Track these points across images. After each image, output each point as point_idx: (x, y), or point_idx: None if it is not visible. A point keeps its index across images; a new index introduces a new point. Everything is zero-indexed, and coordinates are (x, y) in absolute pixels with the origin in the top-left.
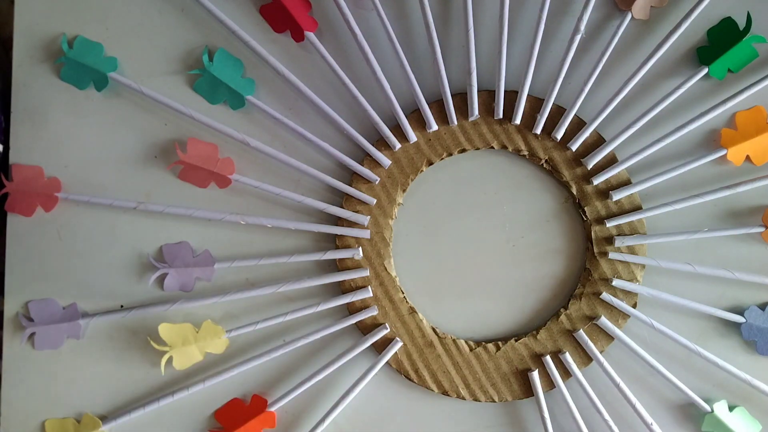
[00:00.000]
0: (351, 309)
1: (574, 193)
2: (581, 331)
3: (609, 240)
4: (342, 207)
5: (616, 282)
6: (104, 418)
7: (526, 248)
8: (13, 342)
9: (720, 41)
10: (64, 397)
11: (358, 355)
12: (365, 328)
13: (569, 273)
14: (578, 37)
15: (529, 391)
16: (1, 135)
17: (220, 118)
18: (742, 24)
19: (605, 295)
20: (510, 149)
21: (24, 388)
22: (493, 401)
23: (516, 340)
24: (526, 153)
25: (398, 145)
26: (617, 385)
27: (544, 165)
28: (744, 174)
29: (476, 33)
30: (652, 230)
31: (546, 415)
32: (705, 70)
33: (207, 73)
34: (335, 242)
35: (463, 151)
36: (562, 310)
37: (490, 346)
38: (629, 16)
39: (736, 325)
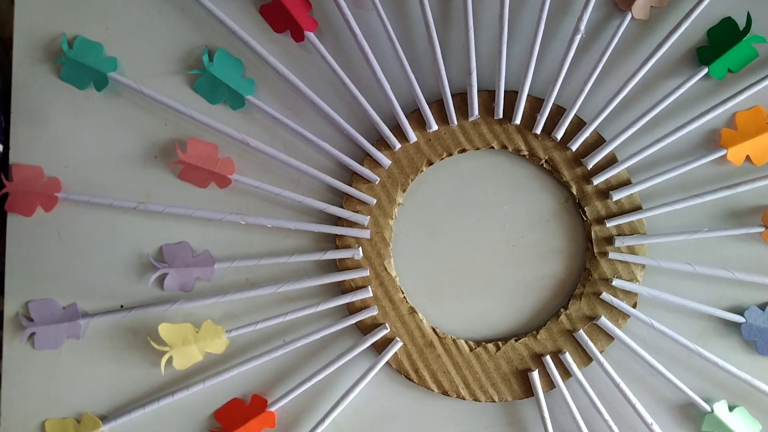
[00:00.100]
0: (351, 309)
1: (574, 193)
2: (581, 331)
3: (609, 240)
4: (342, 207)
5: (616, 282)
6: (104, 418)
7: (526, 248)
8: (13, 342)
9: (720, 41)
10: (64, 397)
11: (358, 355)
12: (365, 328)
13: (569, 273)
14: (578, 37)
15: (529, 391)
16: (1, 135)
17: (220, 118)
18: (742, 24)
19: (605, 295)
20: (510, 149)
21: (24, 388)
22: (493, 401)
23: (516, 340)
24: (526, 153)
25: (398, 145)
26: (617, 385)
27: (544, 165)
28: (744, 174)
29: (476, 33)
30: (652, 230)
31: (546, 415)
32: (705, 70)
33: (207, 73)
34: (335, 242)
35: (463, 151)
36: (562, 310)
37: (490, 346)
38: (629, 16)
39: (736, 325)
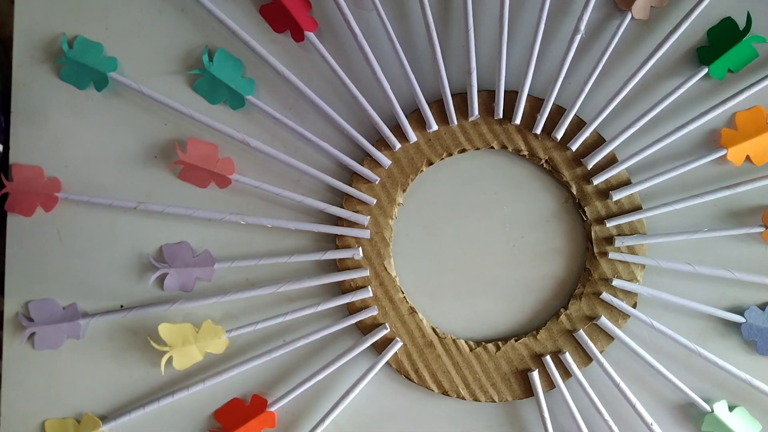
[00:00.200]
0: (351, 309)
1: (574, 193)
2: (581, 331)
3: (609, 240)
4: (342, 207)
5: (616, 282)
6: (104, 418)
7: (526, 248)
8: (13, 342)
9: (720, 41)
10: (64, 397)
11: (358, 355)
12: (365, 328)
13: (569, 273)
14: (578, 37)
15: (529, 391)
16: (1, 135)
17: (220, 118)
18: (742, 24)
19: (605, 295)
20: (510, 149)
21: (24, 388)
22: (493, 401)
23: (516, 340)
24: (526, 153)
25: (398, 145)
26: (617, 385)
27: (544, 165)
28: (744, 174)
29: (476, 33)
30: (652, 230)
31: (546, 415)
32: (705, 70)
33: (207, 73)
34: (335, 242)
35: (463, 151)
36: (562, 310)
37: (490, 346)
38: (629, 16)
39: (736, 325)
